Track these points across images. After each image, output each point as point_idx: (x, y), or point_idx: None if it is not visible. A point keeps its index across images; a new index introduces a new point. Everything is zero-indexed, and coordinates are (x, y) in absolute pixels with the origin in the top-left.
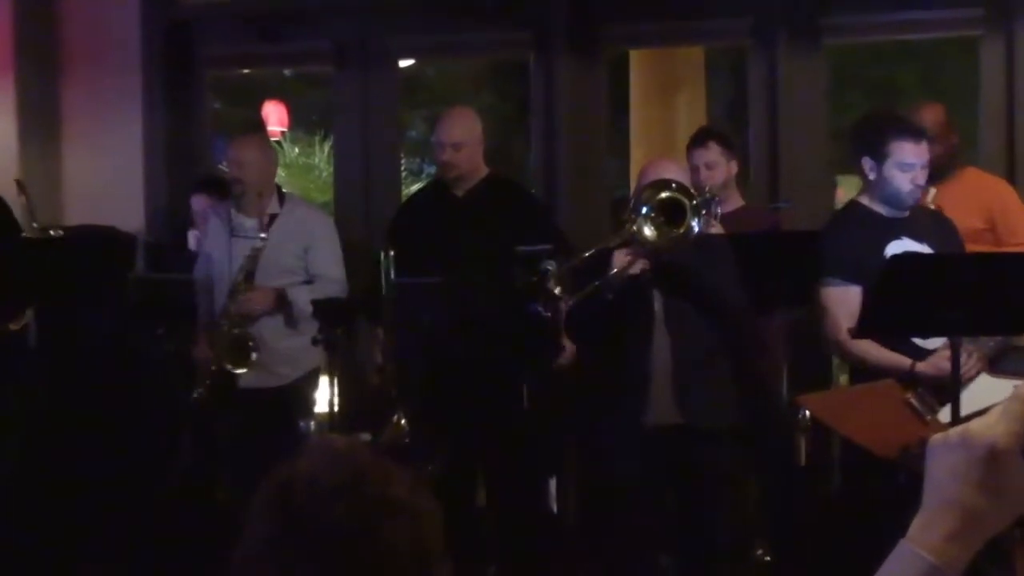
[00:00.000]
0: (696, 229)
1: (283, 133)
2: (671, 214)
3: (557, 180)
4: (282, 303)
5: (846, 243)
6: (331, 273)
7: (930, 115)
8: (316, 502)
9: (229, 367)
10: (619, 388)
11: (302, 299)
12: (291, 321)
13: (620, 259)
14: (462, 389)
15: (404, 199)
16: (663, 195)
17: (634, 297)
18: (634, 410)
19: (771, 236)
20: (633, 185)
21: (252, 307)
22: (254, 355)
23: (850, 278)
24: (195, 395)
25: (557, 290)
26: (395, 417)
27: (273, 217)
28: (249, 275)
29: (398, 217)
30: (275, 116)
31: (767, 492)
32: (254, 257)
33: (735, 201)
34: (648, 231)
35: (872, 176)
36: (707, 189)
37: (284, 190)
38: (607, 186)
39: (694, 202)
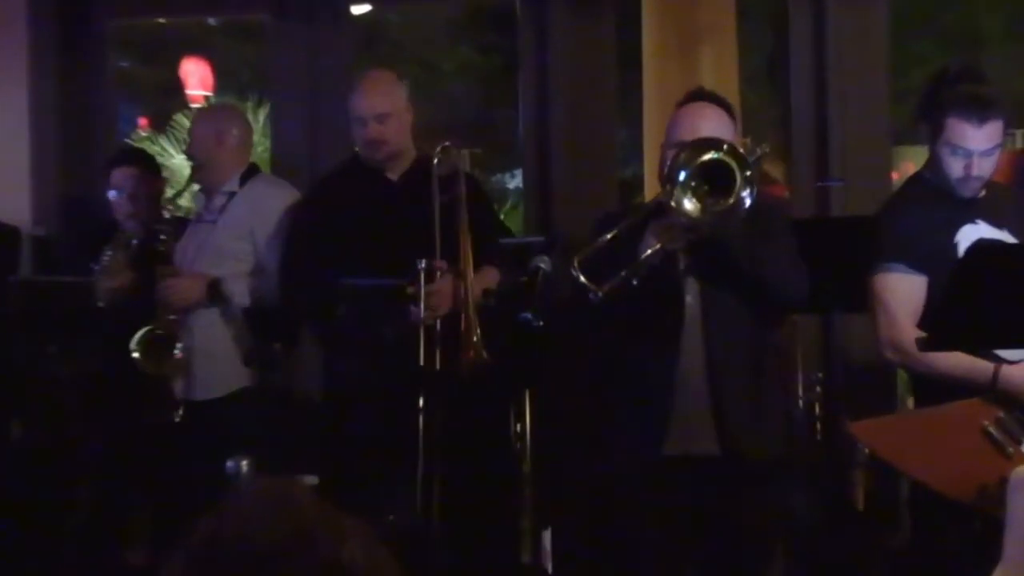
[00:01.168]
0: (748, 202)
1: (206, 98)
2: (715, 181)
3: (551, 155)
4: (215, 294)
5: (910, 222)
6: (275, 263)
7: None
8: (250, 567)
9: (147, 369)
10: (633, 407)
11: (240, 292)
12: (228, 319)
13: (657, 235)
14: (431, 422)
15: (318, 181)
16: (707, 157)
17: (659, 285)
18: (653, 436)
19: (817, 222)
20: (649, 150)
21: (174, 296)
22: (178, 351)
23: (914, 265)
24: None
25: (580, 277)
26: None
27: (232, 197)
28: (163, 256)
29: (310, 209)
30: (196, 76)
31: (818, 542)
32: (167, 239)
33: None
34: (688, 203)
35: (928, 148)
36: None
37: (261, 170)
38: (614, 162)
39: (747, 170)
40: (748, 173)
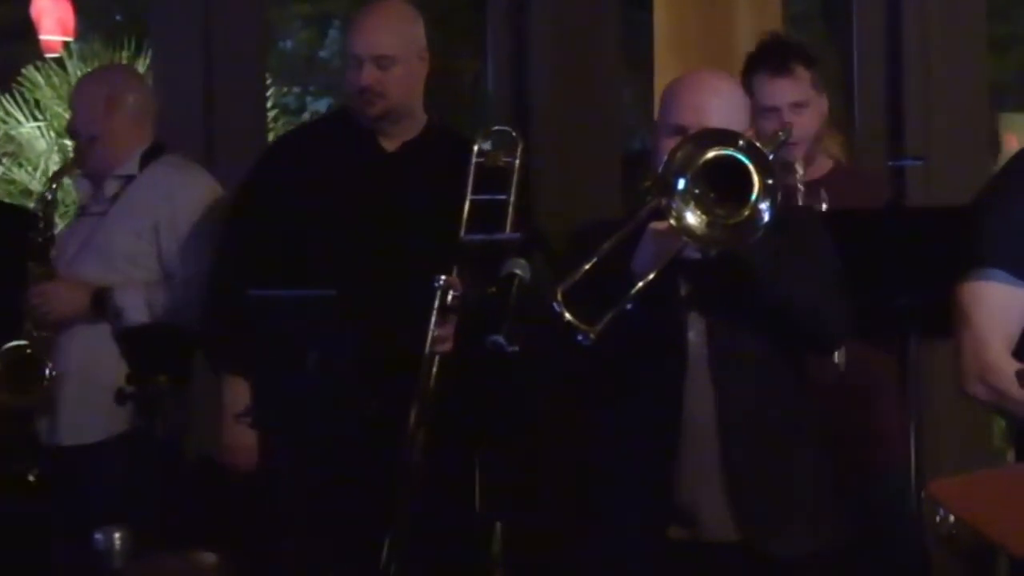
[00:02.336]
0: (768, 216)
1: (66, 45)
2: (726, 184)
3: (531, 122)
4: (102, 308)
5: (1016, 215)
6: (187, 270)
7: None
8: None
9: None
10: (628, 477)
11: (134, 305)
12: (118, 337)
13: (656, 250)
14: (373, 483)
15: (274, 143)
16: (712, 154)
17: (654, 319)
18: (653, 516)
19: (888, 215)
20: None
21: (49, 306)
22: (48, 373)
23: (1019, 272)
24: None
25: (566, 315)
26: None
27: (129, 182)
28: (38, 250)
29: (261, 177)
30: (52, 18)
31: None
32: (46, 227)
33: (821, 161)
34: (691, 217)
35: None
36: (779, 133)
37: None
38: (616, 131)
39: (766, 168)
40: (769, 180)
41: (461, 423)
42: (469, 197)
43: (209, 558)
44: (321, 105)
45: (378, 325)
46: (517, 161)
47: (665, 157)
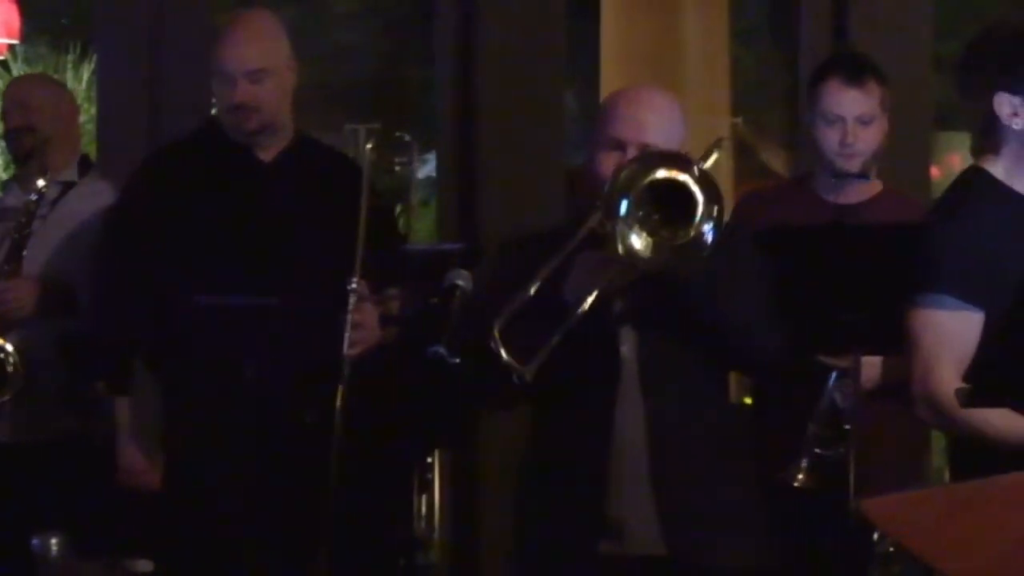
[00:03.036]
0: (711, 237)
1: (11, 48)
2: (669, 205)
3: (476, 132)
4: (50, 305)
5: (967, 238)
6: None
7: None
8: None
9: None
10: (559, 491)
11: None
12: (58, 341)
13: (591, 274)
14: (306, 498)
15: (146, 162)
16: (656, 175)
17: (585, 332)
18: (584, 529)
19: (830, 232)
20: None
21: (16, 303)
22: (10, 366)
23: (969, 296)
24: None
25: (503, 354)
26: None
27: (67, 189)
28: (14, 250)
29: (137, 193)
30: None
31: None
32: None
33: (872, 183)
34: (637, 241)
35: (1018, 121)
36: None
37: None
38: (560, 143)
39: (709, 188)
40: (713, 201)
41: (402, 433)
42: (366, 202)
43: (144, 566)
44: None
45: (293, 332)
46: (413, 165)
47: (608, 175)
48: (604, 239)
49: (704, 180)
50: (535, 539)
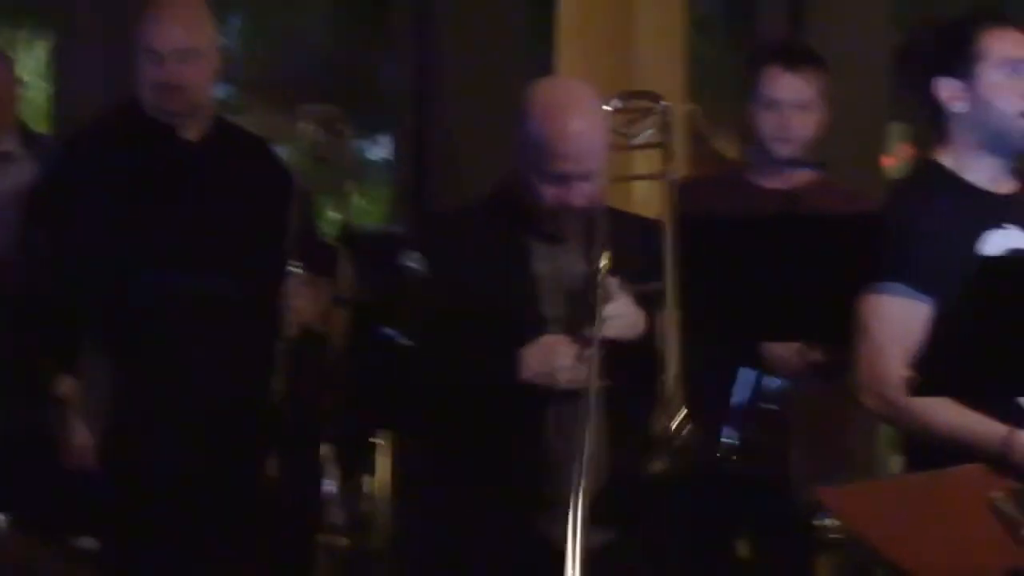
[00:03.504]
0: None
1: None
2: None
3: (432, 117)
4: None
5: (918, 227)
6: None
7: None
8: None
9: None
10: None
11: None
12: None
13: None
14: (250, 481)
15: (68, 142)
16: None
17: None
18: (523, 519)
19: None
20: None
21: None
22: None
23: (919, 285)
24: None
25: None
26: None
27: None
28: None
29: (62, 174)
30: None
31: None
32: None
33: (804, 171)
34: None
35: (959, 106)
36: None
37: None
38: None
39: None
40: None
41: (350, 415)
42: (298, 188)
43: (88, 544)
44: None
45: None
46: (349, 151)
47: (557, 207)
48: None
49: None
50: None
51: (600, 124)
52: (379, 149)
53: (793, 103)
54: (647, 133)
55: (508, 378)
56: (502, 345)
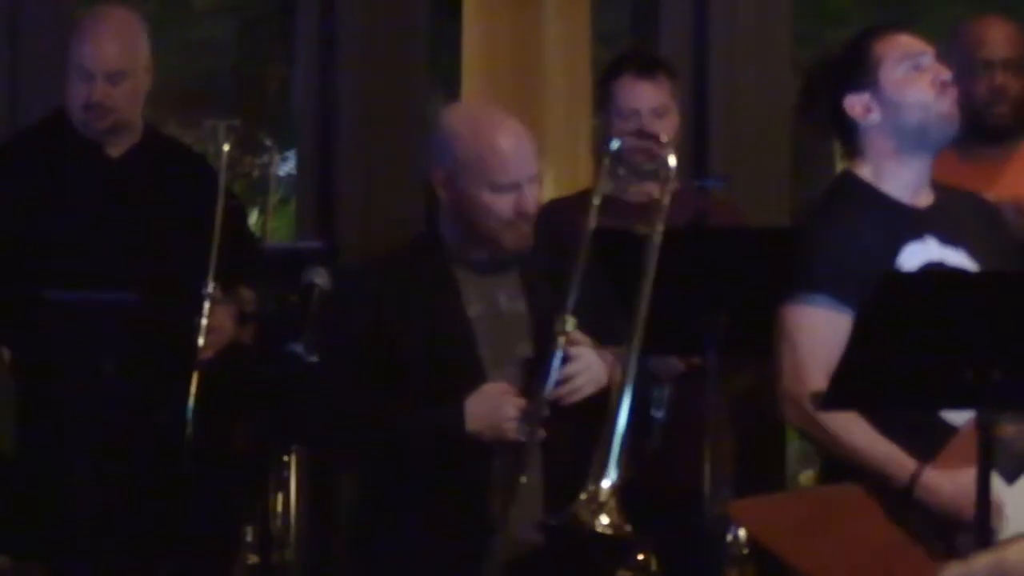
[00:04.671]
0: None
1: None
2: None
3: (337, 131)
4: None
5: (839, 239)
6: None
7: (1000, 33)
8: None
9: None
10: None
11: None
12: None
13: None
14: (160, 496)
15: None
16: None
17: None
18: (468, 549)
19: (690, 234)
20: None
21: None
22: None
23: (842, 297)
24: None
25: None
26: None
27: None
28: None
29: None
30: None
31: None
32: None
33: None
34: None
35: (873, 117)
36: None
37: None
38: (420, 144)
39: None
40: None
41: (258, 432)
42: (222, 202)
43: (2, 563)
44: None
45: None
46: (272, 166)
47: (503, 218)
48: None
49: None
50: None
51: (524, 130)
52: (286, 164)
53: (650, 110)
54: None
55: (454, 433)
56: (444, 395)
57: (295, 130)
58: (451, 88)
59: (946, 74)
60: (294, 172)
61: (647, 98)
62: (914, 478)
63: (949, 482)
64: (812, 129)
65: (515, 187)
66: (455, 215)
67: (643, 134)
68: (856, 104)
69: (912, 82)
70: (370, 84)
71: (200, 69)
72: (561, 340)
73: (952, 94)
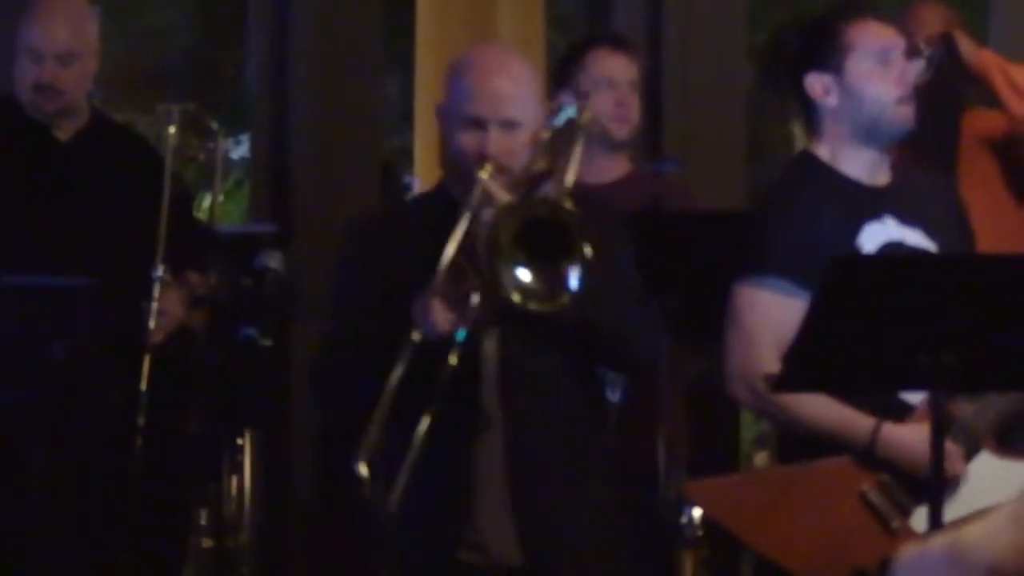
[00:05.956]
0: (581, 272)
1: None
2: (542, 243)
3: (290, 115)
4: None
5: (797, 221)
6: None
7: (932, 16)
8: None
9: None
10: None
11: None
12: None
13: (451, 310)
14: (113, 481)
15: None
16: (533, 215)
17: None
18: (442, 543)
19: (645, 219)
20: (424, 111)
21: None
22: None
23: (798, 279)
24: None
25: (367, 493)
26: None
27: None
28: None
29: None
30: None
31: None
32: None
33: (620, 163)
34: (510, 275)
35: (831, 100)
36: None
37: None
38: (377, 127)
39: (578, 223)
40: (583, 233)
41: (212, 416)
42: (168, 185)
43: None
44: None
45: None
46: (217, 150)
47: (470, 156)
48: (470, 273)
49: (575, 217)
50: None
51: (525, 81)
52: (240, 147)
53: (626, 82)
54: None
55: (402, 331)
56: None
57: (249, 113)
58: (405, 72)
59: (912, 74)
60: (247, 155)
61: (624, 70)
62: (875, 434)
63: (910, 434)
64: (773, 95)
65: (480, 124)
66: (441, 156)
67: (622, 104)
68: (816, 84)
69: (876, 77)
70: (324, 68)
71: (154, 54)
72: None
73: (912, 101)
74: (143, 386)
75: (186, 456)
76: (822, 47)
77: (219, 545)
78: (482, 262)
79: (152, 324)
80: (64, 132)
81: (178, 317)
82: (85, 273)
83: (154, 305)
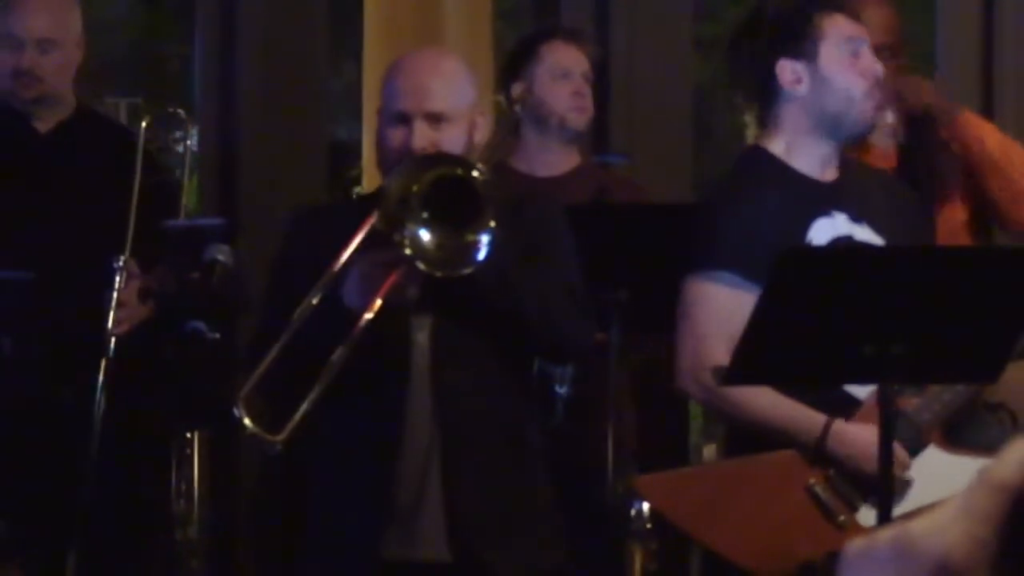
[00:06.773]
0: (486, 246)
1: None
2: (452, 205)
3: (237, 107)
4: None
5: (748, 215)
6: None
7: (875, 16)
8: None
9: None
10: (341, 488)
11: None
12: None
13: (371, 281)
14: (64, 476)
15: None
16: (438, 174)
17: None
18: (367, 531)
19: (592, 211)
20: (371, 103)
21: None
22: None
23: (748, 274)
24: None
25: (249, 425)
26: None
27: None
28: None
29: None
30: None
31: None
32: None
33: (572, 156)
34: (422, 240)
35: (800, 88)
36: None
37: None
38: (323, 119)
39: (486, 184)
40: (491, 199)
41: (160, 410)
42: (139, 178)
43: None
44: None
45: (56, 309)
46: (188, 142)
47: (395, 150)
48: (387, 239)
49: (486, 180)
50: (318, 540)
51: (454, 76)
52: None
53: (580, 73)
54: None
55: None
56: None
57: (196, 107)
58: (352, 64)
59: (879, 70)
60: (195, 148)
61: (579, 61)
62: (825, 429)
63: (860, 431)
64: (733, 83)
65: (405, 119)
66: (378, 157)
67: (579, 94)
68: (788, 70)
69: (848, 66)
70: (271, 60)
71: (98, 48)
72: None
73: (877, 98)
74: (101, 379)
75: (139, 452)
76: (796, 35)
77: (168, 539)
78: (390, 214)
79: (112, 316)
80: (44, 123)
81: (139, 310)
82: (54, 265)
83: (115, 295)
